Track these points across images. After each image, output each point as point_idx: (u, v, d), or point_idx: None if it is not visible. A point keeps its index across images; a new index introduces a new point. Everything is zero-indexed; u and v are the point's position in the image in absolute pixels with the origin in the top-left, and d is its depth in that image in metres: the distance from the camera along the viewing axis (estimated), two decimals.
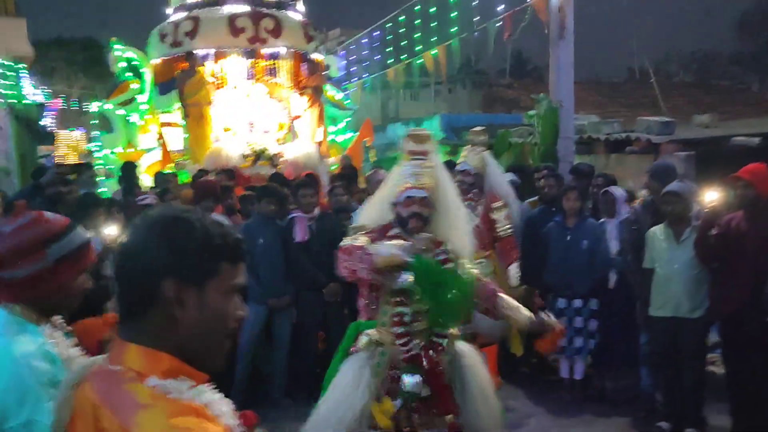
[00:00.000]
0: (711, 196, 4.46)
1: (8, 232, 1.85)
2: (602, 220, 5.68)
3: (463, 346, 3.34)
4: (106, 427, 1.17)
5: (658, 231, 4.88)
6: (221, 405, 1.24)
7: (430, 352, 3.22)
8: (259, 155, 9.82)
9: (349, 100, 12.76)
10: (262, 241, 5.23)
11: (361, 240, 3.15)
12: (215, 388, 1.27)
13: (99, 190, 8.85)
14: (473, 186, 5.12)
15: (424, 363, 3.19)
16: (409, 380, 3.15)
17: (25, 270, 1.82)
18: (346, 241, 3.17)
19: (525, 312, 3.28)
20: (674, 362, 4.76)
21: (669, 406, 4.87)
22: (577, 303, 5.39)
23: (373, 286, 3.20)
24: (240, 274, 1.31)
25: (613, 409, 5.27)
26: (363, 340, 3.14)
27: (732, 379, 4.69)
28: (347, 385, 3.04)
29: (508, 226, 5.51)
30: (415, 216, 3.26)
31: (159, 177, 7.58)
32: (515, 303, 3.31)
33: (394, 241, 3.13)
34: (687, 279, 4.71)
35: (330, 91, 11.61)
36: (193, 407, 1.17)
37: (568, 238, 5.51)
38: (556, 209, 5.80)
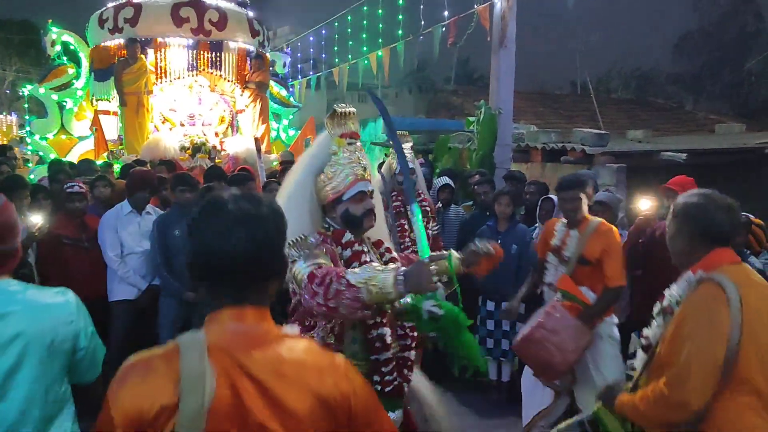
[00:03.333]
0: (644, 206, 4.60)
1: None
2: (536, 225, 5.80)
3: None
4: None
5: None
6: None
7: (405, 371, 2.65)
8: (198, 148, 9.66)
9: (293, 98, 12.69)
10: (177, 233, 5.05)
11: (323, 260, 2.37)
12: None
13: (30, 176, 8.58)
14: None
15: (405, 390, 2.64)
16: (393, 418, 2.58)
17: (13, 245, 2.02)
18: (305, 267, 2.30)
19: (453, 252, 2.78)
20: None
21: None
22: (505, 306, 5.48)
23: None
24: None
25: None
26: None
27: None
28: None
29: (435, 226, 5.61)
30: (370, 213, 2.68)
31: (82, 164, 7.35)
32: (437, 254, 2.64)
33: (376, 265, 2.36)
34: None
35: (275, 88, 11.54)
36: None
37: (499, 242, 5.59)
38: (489, 214, 5.89)
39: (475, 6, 8.27)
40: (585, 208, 4.26)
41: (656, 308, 2.49)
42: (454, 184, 6.59)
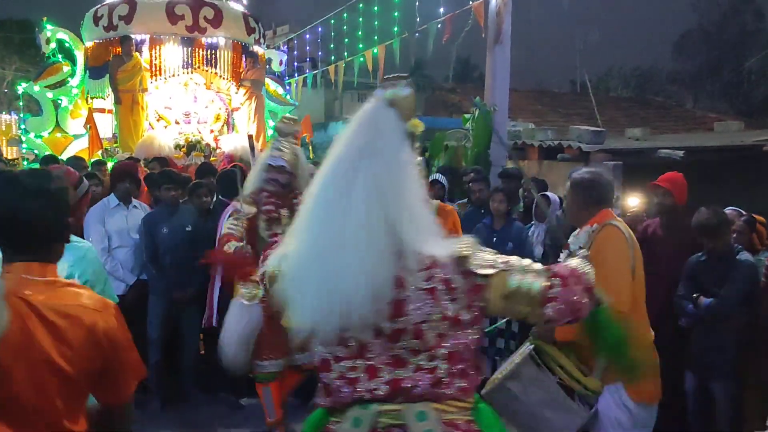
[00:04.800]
0: (632, 203, 4.56)
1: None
2: (531, 223, 5.76)
3: None
4: None
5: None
6: None
7: None
8: (193, 146, 9.62)
9: (289, 96, 12.64)
10: (166, 231, 5.02)
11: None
12: None
13: None
14: (287, 187, 4.35)
15: None
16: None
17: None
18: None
19: None
20: None
21: None
22: None
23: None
24: None
25: None
26: None
27: None
28: None
29: None
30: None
31: (71, 161, 7.30)
32: None
33: None
34: None
35: (271, 86, 11.49)
36: None
37: (495, 240, 5.55)
38: (485, 211, 5.85)
39: (471, 2, 8.22)
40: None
41: (563, 254, 3.01)
42: (448, 182, 6.55)
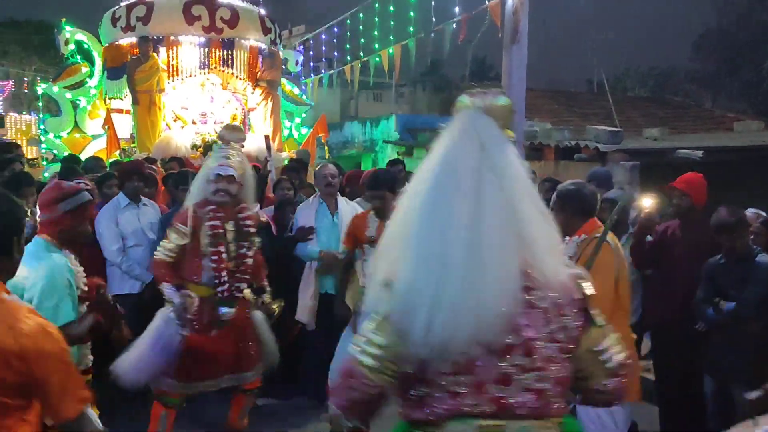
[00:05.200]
0: (646, 203, 4.51)
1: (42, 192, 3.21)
2: None
3: None
4: None
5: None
6: None
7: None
8: (209, 146, 9.66)
9: (305, 96, 12.67)
10: None
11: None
12: None
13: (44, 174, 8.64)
14: (236, 197, 4.20)
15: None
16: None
17: (47, 215, 3.06)
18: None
19: None
20: None
21: None
22: None
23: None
24: None
25: None
26: None
27: (660, 384, 4.76)
28: None
29: None
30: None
31: (90, 162, 7.37)
32: None
33: None
34: None
35: (287, 86, 11.53)
36: None
37: None
38: None
39: (487, 2, 8.18)
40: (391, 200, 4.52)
41: None
42: None
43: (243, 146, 4.55)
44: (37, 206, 3.26)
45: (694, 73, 35.27)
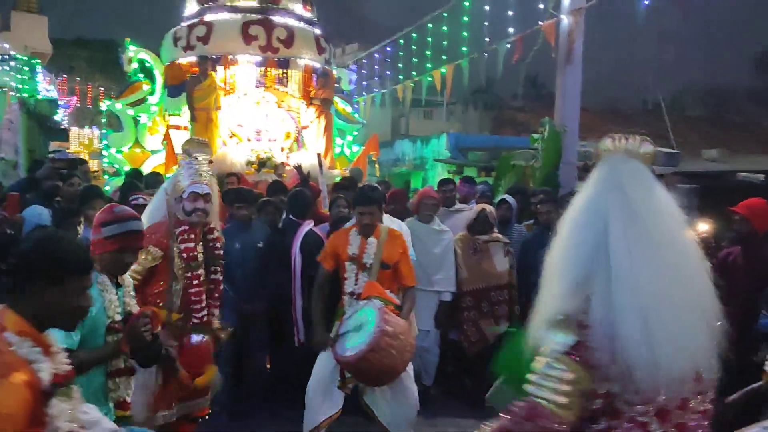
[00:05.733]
0: (702, 228, 4.41)
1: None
2: None
3: None
4: None
5: None
6: (44, 365, 1.86)
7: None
8: (264, 163, 9.85)
9: (357, 114, 12.80)
10: (238, 246, 5.13)
11: None
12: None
13: (105, 187, 8.94)
14: (207, 214, 3.96)
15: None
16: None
17: (93, 236, 3.04)
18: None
19: None
20: None
21: None
22: None
23: None
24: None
25: None
26: None
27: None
28: None
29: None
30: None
31: (150, 177, 7.60)
32: None
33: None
34: None
35: (340, 104, 11.67)
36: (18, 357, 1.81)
37: None
38: (552, 233, 5.74)
39: (540, 23, 8.16)
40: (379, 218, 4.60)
41: None
42: (516, 202, 6.48)
43: (211, 162, 4.28)
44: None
45: (755, 92, 34.27)
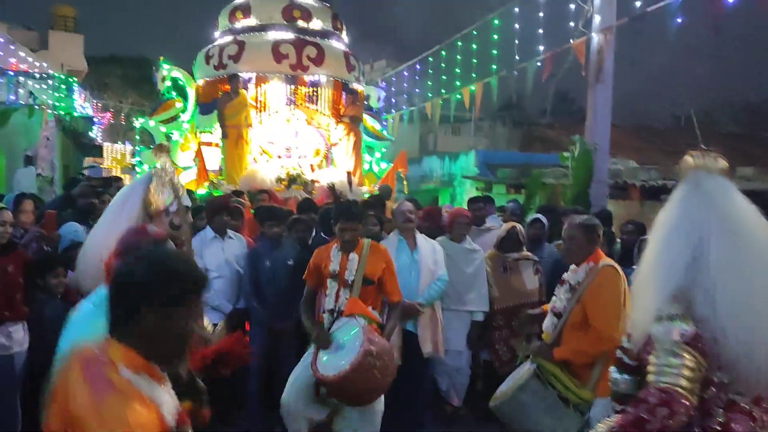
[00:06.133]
0: None
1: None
2: (633, 267, 5.54)
3: None
4: (77, 399, 1.51)
5: None
6: (166, 400, 1.67)
7: None
8: (294, 179, 9.93)
9: (386, 131, 12.84)
10: (268, 264, 5.18)
11: None
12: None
13: None
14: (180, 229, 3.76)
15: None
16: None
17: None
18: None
19: None
20: None
21: None
22: None
23: None
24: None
25: None
26: None
27: None
28: None
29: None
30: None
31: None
32: None
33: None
34: None
35: (369, 121, 11.72)
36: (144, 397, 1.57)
37: None
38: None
39: (571, 41, 8.14)
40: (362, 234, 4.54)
41: (562, 289, 3.75)
42: (547, 221, 6.42)
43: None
44: None
45: None
